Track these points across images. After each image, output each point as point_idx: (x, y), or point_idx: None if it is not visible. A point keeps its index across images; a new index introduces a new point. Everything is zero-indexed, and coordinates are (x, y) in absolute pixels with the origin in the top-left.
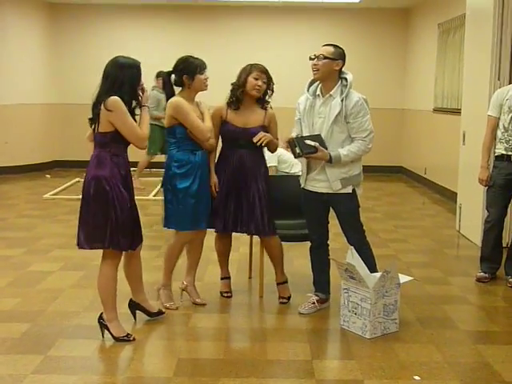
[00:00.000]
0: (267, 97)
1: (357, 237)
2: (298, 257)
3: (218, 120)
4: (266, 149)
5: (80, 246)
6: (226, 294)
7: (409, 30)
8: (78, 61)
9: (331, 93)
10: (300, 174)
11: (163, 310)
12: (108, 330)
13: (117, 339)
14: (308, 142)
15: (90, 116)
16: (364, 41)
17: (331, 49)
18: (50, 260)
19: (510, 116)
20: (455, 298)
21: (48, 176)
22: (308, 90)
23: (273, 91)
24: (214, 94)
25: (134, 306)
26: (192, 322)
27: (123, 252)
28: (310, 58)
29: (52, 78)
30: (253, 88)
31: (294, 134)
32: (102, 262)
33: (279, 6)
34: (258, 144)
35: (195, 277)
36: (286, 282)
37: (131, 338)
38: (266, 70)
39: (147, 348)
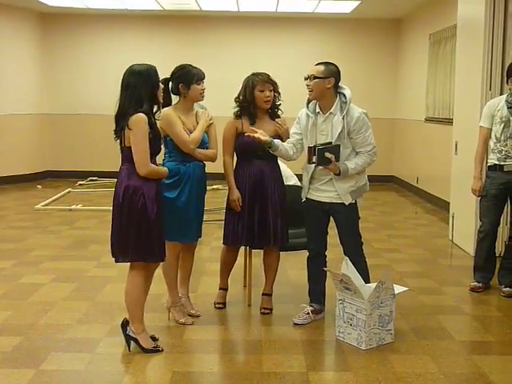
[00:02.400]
0: (277, 102)
1: (354, 248)
2: (292, 267)
3: (233, 133)
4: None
5: (115, 259)
6: (218, 305)
7: (400, 41)
8: (69, 71)
9: (331, 110)
10: (293, 183)
11: (156, 337)
12: (136, 343)
13: (146, 351)
14: (327, 154)
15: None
16: (355, 51)
17: (321, 67)
18: (41, 272)
19: (501, 126)
20: (449, 308)
21: (39, 186)
22: (308, 106)
23: (279, 94)
24: (213, 103)
25: (126, 326)
26: (186, 335)
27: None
28: (305, 78)
29: (44, 88)
30: (263, 101)
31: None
32: (131, 273)
33: (272, 16)
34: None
35: (189, 288)
36: (271, 294)
37: (160, 349)
38: (268, 77)
39: (141, 361)
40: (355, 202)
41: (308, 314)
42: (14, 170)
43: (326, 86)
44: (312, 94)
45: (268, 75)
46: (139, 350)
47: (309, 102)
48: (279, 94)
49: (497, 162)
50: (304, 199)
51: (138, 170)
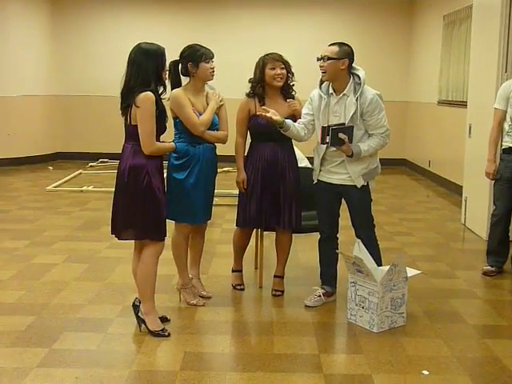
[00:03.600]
0: (290, 82)
1: (366, 231)
2: (303, 250)
3: (246, 114)
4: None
5: (118, 236)
6: (239, 287)
7: (413, 22)
8: (80, 53)
9: (345, 92)
10: (304, 165)
11: (168, 317)
12: (144, 324)
13: (152, 333)
14: (340, 135)
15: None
16: (368, 32)
17: (336, 48)
18: (53, 252)
19: None
20: (462, 292)
21: (50, 168)
22: (320, 87)
23: (293, 75)
24: (224, 85)
25: (138, 307)
26: (198, 316)
27: (137, 245)
28: (317, 59)
29: (54, 69)
30: (273, 79)
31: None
32: (144, 252)
33: None
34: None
35: (199, 269)
36: (283, 277)
37: (166, 334)
38: (280, 56)
39: (153, 341)
40: (367, 184)
41: (319, 296)
42: (25, 151)
43: (340, 67)
44: (325, 75)
45: (280, 55)
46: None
47: (321, 82)
48: (292, 74)
49: None
50: (315, 181)
51: (144, 149)
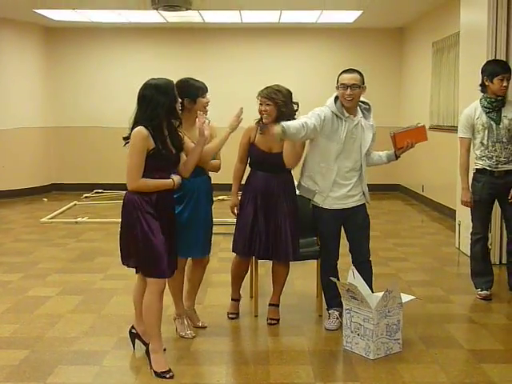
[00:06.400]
0: (280, 118)
1: (366, 253)
2: (299, 277)
3: (247, 140)
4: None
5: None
6: (231, 316)
7: (403, 49)
8: (74, 84)
9: (360, 115)
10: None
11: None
12: (149, 360)
13: (156, 373)
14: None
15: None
16: (359, 60)
17: (358, 76)
18: (48, 285)
19: (486, 133)
20: (458, 317)
21: (45, 200)
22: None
23: (283, 112)
24: (216, 114)
25: (133, 336)
26: (194, 346)
27: (138, 275)
28: (346, 87)
29: (48, 101)
30: (261, 115)
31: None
32: (146, 289)
33: (275, 27)
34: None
35: (195, 301)
36: (278, 305)
37: (167, 376)
38: (268, 94)
39: (149, 373)
40: None
41: (337, 318)
42: (20, 183)
43: (362, 93)
44: (353, 102)
45: (269, 90)
46: (148, 364)
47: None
48: (282, 112)
49: (488, 168)
50: (322, 205)
51: (127, 184)
